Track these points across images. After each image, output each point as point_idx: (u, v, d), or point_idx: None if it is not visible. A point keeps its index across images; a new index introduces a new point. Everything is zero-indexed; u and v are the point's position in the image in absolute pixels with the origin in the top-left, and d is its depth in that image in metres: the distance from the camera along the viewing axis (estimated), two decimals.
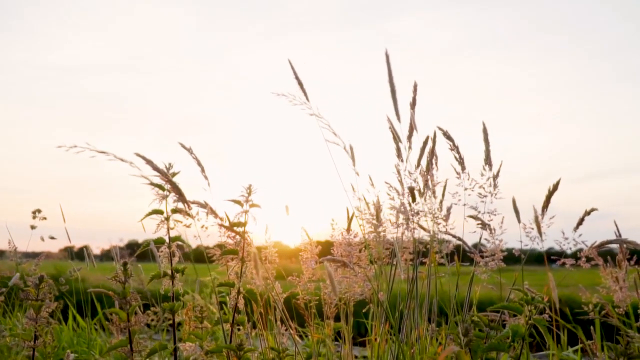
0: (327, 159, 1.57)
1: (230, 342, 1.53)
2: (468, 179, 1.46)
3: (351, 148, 1.41)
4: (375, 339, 1.69)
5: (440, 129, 1.39)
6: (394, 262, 1.57)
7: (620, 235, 2.15)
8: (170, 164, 1.62)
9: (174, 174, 1.59)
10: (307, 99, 1.39)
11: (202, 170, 1.60)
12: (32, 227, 3.52)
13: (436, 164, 1.51)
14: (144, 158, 1.21)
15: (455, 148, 1.42)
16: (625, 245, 2.01)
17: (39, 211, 3.58)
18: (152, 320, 3.06)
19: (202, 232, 1.60)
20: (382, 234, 1.52)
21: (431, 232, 1.65)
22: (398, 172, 1.51)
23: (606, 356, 1.20)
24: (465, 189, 1.46)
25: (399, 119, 1.34)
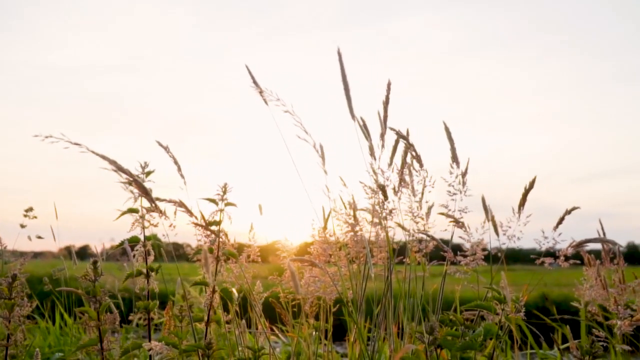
0: (317, 159, 1.58)
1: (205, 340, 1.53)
2: (427, 176, 1.46)
3: (321, 147, 1.40)
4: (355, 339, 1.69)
5: (392, 129, 1.38)
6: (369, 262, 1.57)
7: (604, 235, 2.15)
8: (146, 163, 1.62)
9: (149, 173, 1.59)
10: (266, 103, 1.41)
11: (179, 169, 1.60)
12: (22, 226, 3.52)
13: (410, 161, 1.51)
14: (107, 159, 1.20)
15: (410, 146, 1.42)
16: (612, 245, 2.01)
17: (31, 209, 3.58)
18: (140, 319, 3.06)
19: (184, 230, 1.61)
20: (359, 233, 1.52)
21: (410, 231, 1.64)
22: (373, 171, 1.51)
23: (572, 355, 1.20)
24: (425, 187, 1.46)
25: (353, 117, 1.34)
